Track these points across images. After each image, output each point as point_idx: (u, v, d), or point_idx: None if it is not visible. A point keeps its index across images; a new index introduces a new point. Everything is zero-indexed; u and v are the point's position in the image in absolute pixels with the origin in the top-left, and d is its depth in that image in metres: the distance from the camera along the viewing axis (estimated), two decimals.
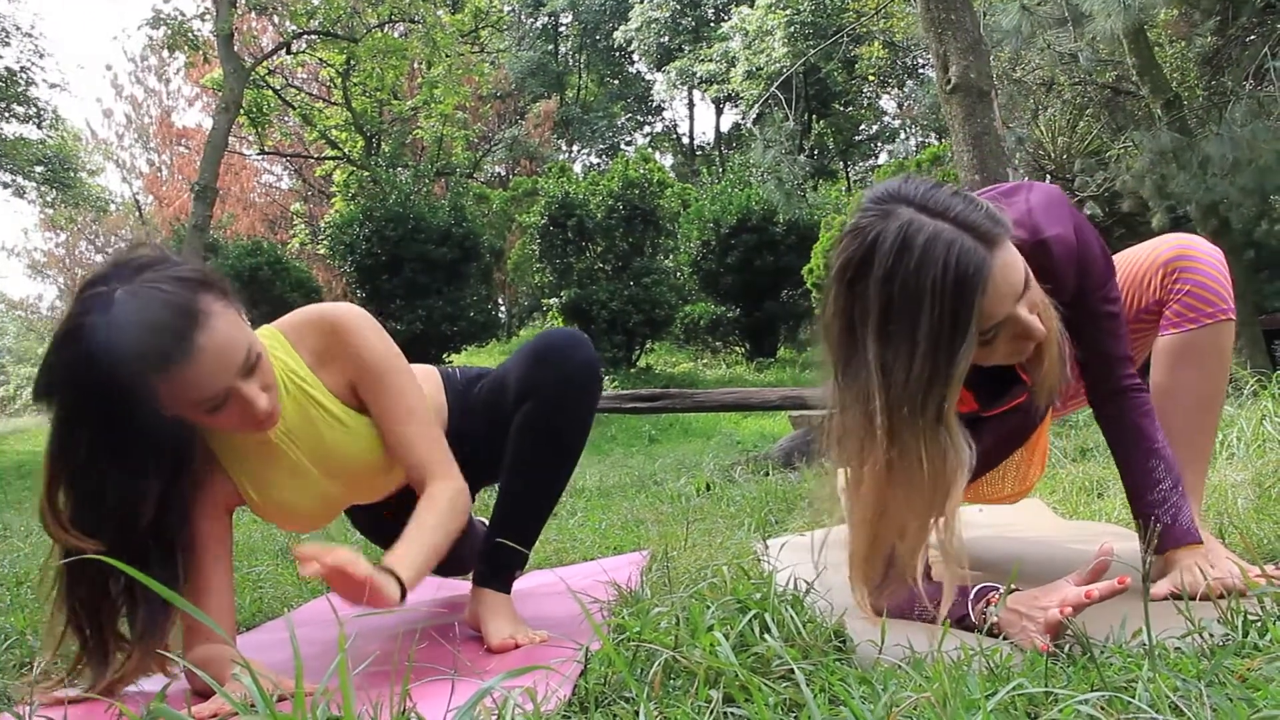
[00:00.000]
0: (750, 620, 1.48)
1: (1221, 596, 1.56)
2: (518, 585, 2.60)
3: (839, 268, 1.60)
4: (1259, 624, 1.39)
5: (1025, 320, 1.62)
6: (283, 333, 1.90)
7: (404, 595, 1.61)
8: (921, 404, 1.54)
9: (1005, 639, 1.54)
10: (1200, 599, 1.63)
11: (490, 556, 2.06)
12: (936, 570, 1.73)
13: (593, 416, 2.10)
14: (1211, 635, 1.36)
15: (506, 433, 2.05)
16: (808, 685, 1.24)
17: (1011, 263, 1.57)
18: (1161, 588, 1.74)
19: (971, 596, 1.64)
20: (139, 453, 1.62)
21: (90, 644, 1.66)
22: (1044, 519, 3.12)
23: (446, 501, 1.84)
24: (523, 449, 2.05)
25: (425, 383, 2.08)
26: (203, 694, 1.60)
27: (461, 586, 2.84)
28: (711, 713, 1.20)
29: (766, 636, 1.44)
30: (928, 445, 1.56)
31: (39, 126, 20.11)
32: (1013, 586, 1.57)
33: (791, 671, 1.27)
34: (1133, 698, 1.11)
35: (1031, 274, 1.63)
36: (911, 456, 1.57)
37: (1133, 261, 2.01)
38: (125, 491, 1.61)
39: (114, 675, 1.64)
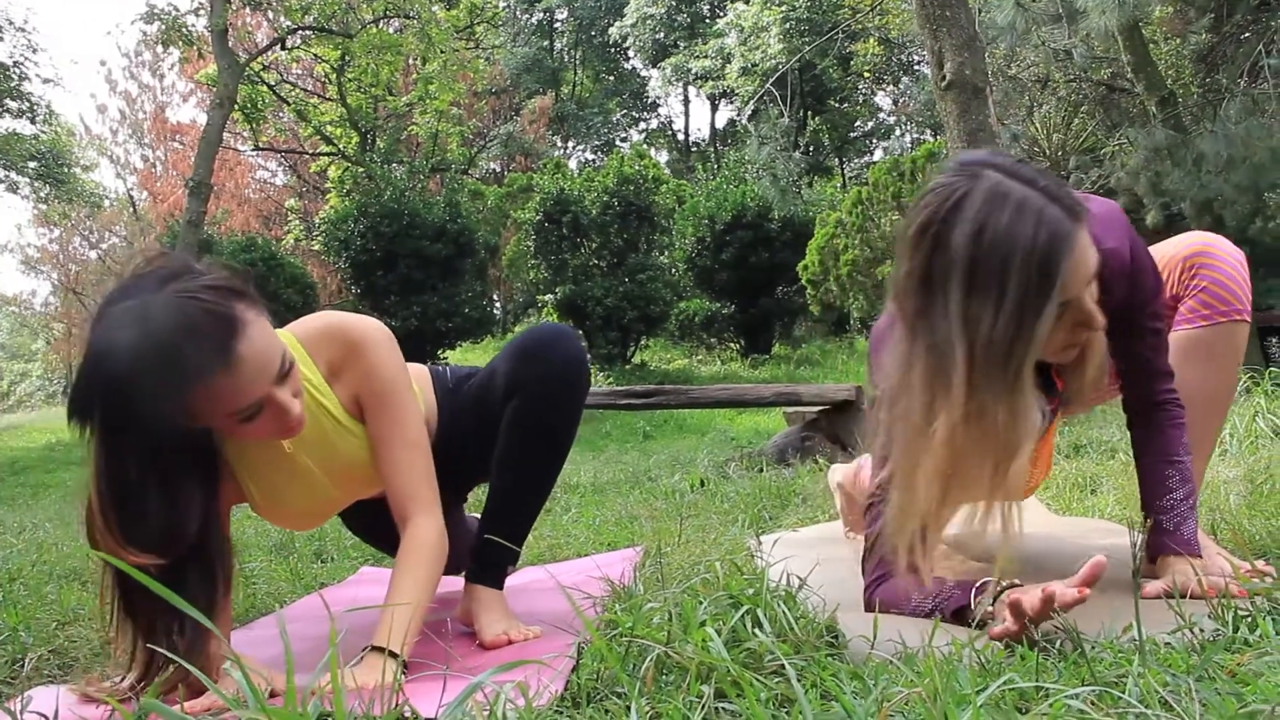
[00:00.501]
0: (743, 616, 1.48)
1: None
2: (511, 581, 2.60)
3: (922, 221, 1.57)
4: (1249, 619, 1.39)
5: (1089, 307, 1.62)
6: (299, 340, 1.89)
7: (406, 667, 1.61)
8: (1004, 360, 1.52)
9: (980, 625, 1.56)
10: (1191, 598, 1.64)
11: (482, 553, 2.07)
12: (937, 566, 1.73)
13: (580, 411, 2.10)
14: (1202, 631, 1.37)
15: (496, 429, 2.05)
16: (799, 680, 1.25)
17: (1088, 244, 1.56)
18: (1154, 587, 1.76)
19: (974, 589, 1.64)
20: (184, 466, 1.61)
21: (150, 656, 1.61)
22: (1038, 515, 3.13)
23: (428, 551, 1.81)
24: (512, 445, 2.05)
25: (416, 382, 2.06)
26: (197, 689, 1.59)
27: (454, 583, 2.84)
28: (703, 708, 1.20)
29: (758, 632, 1.45)
30: (1006, 403, 1.54)
31: (33, 122, 20.06)
32: (1015, 581, 1.58)
33: (783, 667, 1.27)
34: (1123, 693, 1.11)
35: None
36: (989, 414, 1.54)
37: (1159, 256, 2.01)
38: (173, 507, 1.58)
39: (164, 684, 1.59)
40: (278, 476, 1.87)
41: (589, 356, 17.96)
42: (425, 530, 1.82)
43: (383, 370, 1.87)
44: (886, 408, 1.64)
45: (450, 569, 2.43)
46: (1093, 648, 1.33)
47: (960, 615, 1.65)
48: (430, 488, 1.87)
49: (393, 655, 1.62)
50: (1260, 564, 1.70)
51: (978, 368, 1.52)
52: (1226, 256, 1.94)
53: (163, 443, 1.54)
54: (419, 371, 2.17)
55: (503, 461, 2.07)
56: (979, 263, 1.50)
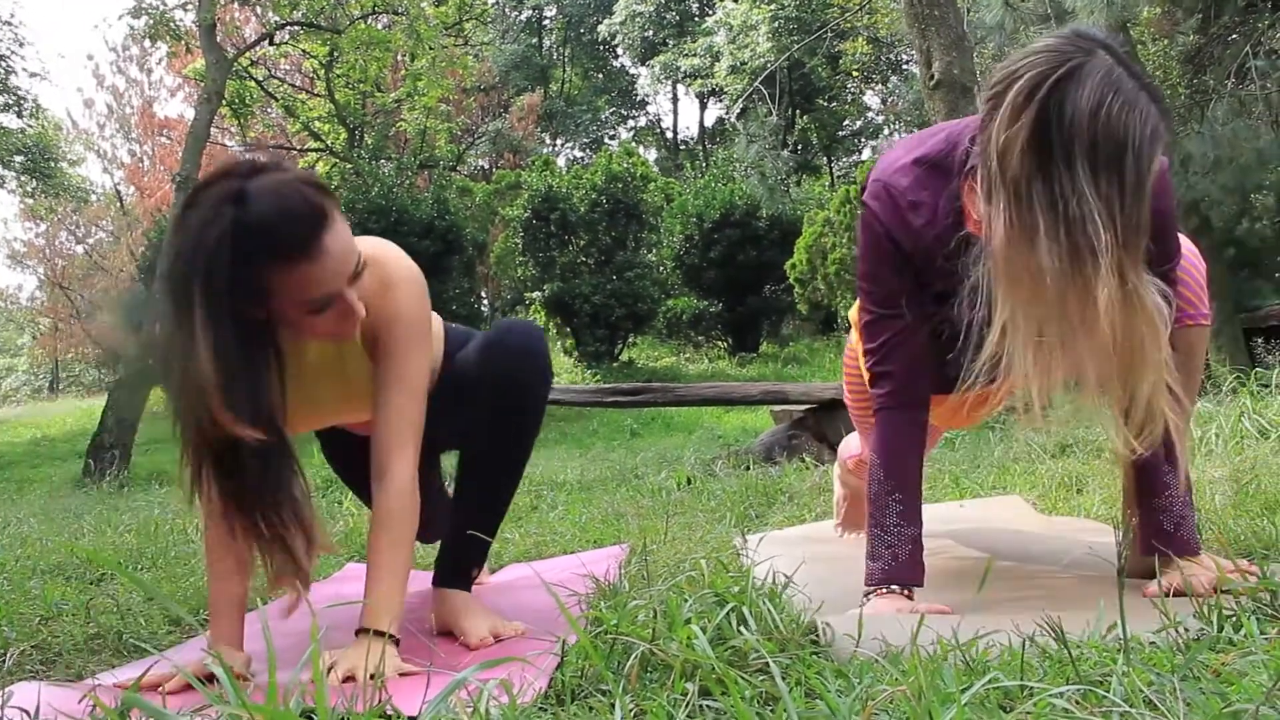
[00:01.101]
0: (728, 613, 1.48)
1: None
2: (496, 578, 2.60)
3: (1032, 81, 1.51)
4: (1234, 619, 1.39)
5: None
6: None
7: (398, 642, 1.65)
8: (1138, 243, 1.51)
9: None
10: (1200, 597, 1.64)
11: (450, 556, 2.07)
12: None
13: (543, 408, 2.10)
14: (1187, 630, 1.37)
15: (463, 408, 2.05)
16: (784, 678, 1.24)
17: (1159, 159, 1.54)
18: (1154, 588, 1.76)
19: (880, 578, 1.85)
20: (268, 352, 1.65)
21: (272, 542, 1.67)
22: (1023, 514, 3.14)
23: (407, 515, 1.80)
24: (474, 447, 2.08)
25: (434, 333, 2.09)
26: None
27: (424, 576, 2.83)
28: (688, 705, 1.20)
29: (743, 630, 1.44)
30: (1142, 293, 1.53)
31: (19, 116, 19.93)
32: (904, 592, 1.82)
33: (768, 664, 1.26)
34: (1107, 691, 1.11)
35: None
36: (1133, 299, 1.52)
37: None
38: (270, 388, 1.64)
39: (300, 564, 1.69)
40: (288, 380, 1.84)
41: (576, 353, 17.99)
42: (401, 489, 1.79)
43: (406, 317, 1.86)
44: (1005, 251, 1.55)
45: (431, 538, 2.43)
46: (1077, 646, 1.33)
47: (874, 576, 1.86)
48: (415, 443, 1.84)
49: (380, 634, 1.63)
50: (1244, 563, 1.70)
51: (1122, 248, 1.49)
52: (1184, 259, 1.89)
53: (254, 320, 1.61)
54: (436, 325, 2.15)
55: (465, 464, 2.08)
56: (1100, 143, 1.47)
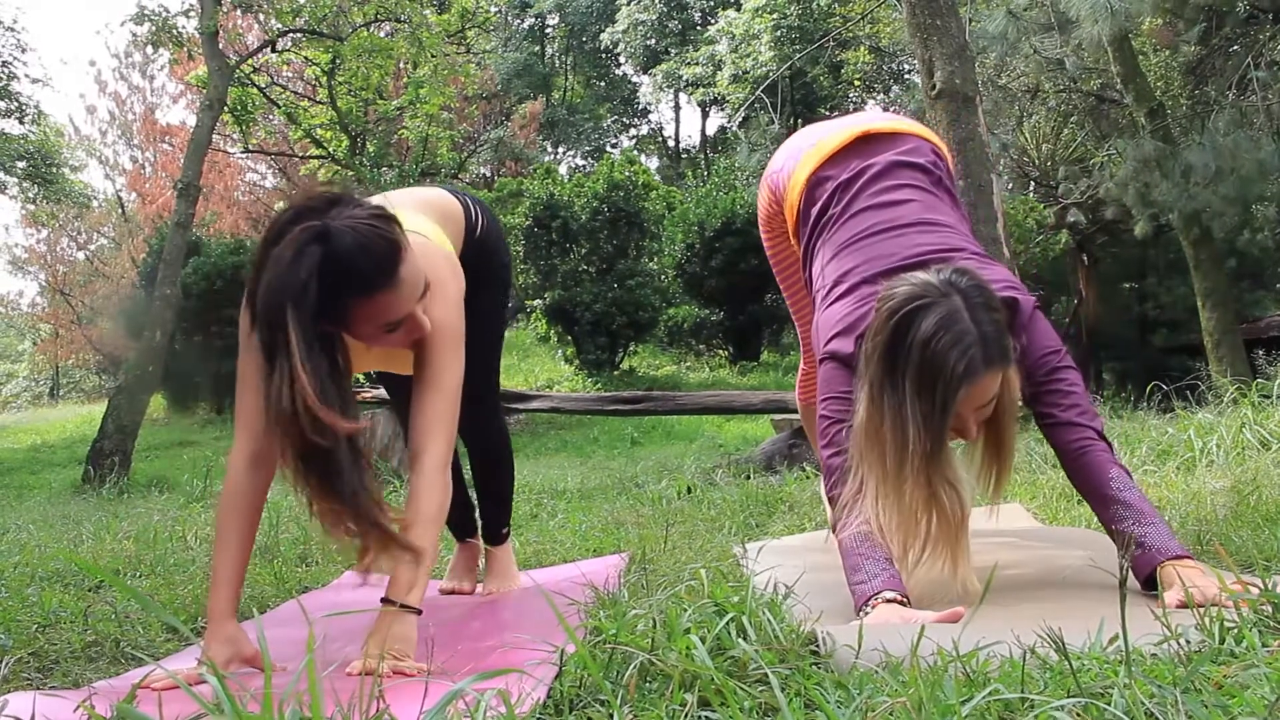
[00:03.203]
0: (727, 624, 1.48)
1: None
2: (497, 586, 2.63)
3: (895, 311, 1.94)
4: (1235, 631, 1.39)
5: (967, 424, 2.04)
6: None
7: (419, 613, 1.84)
8: (938, 441, 1.95)
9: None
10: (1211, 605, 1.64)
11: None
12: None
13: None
14: (1188, 642, 1.36)
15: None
16: (783, 690, 1.24)
17: (991, 381, 1.96)
18: (1170, 598, 1.80)
19: (870, 590, 1.92)
20: (343, 344, 1.87)
21: (365, 528, 1.80)
22: (1023, 524, 3.13)
23: (439, 497, 1.96)
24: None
25: (447, 221, 2.42)
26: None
27: (434, 585, 2.84)
28: (686, 716, 1.19)
29: (743, 640, 1.44)
30: (939, 466, 1.96)
31: (21, 122, 19.93)
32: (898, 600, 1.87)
33: (767, 675, 1.26)
34: (1108, 704, 1.10)
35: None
36: (938, 492, 1.96)
37: None
38: (352, 395, 1.84)
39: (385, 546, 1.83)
40: None
41: (577, 361, 17.98)
42: (431, 472, 1.96)
43: (441, 326, 2.02)
44: (862, 432, 2.01)
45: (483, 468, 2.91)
46: (1078, 658, 1.32)
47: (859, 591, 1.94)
48: (446, 435, 2.01)
49: (407, 608, 1.81)
50: (1245, 577, 1.70)
51: (925, 442, 1.92)
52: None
53: (332, 334, 1.82)
54: (455, 217, 2.50)
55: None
56: (924, 370, 1.90)
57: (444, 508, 1.99)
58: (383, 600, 1.83)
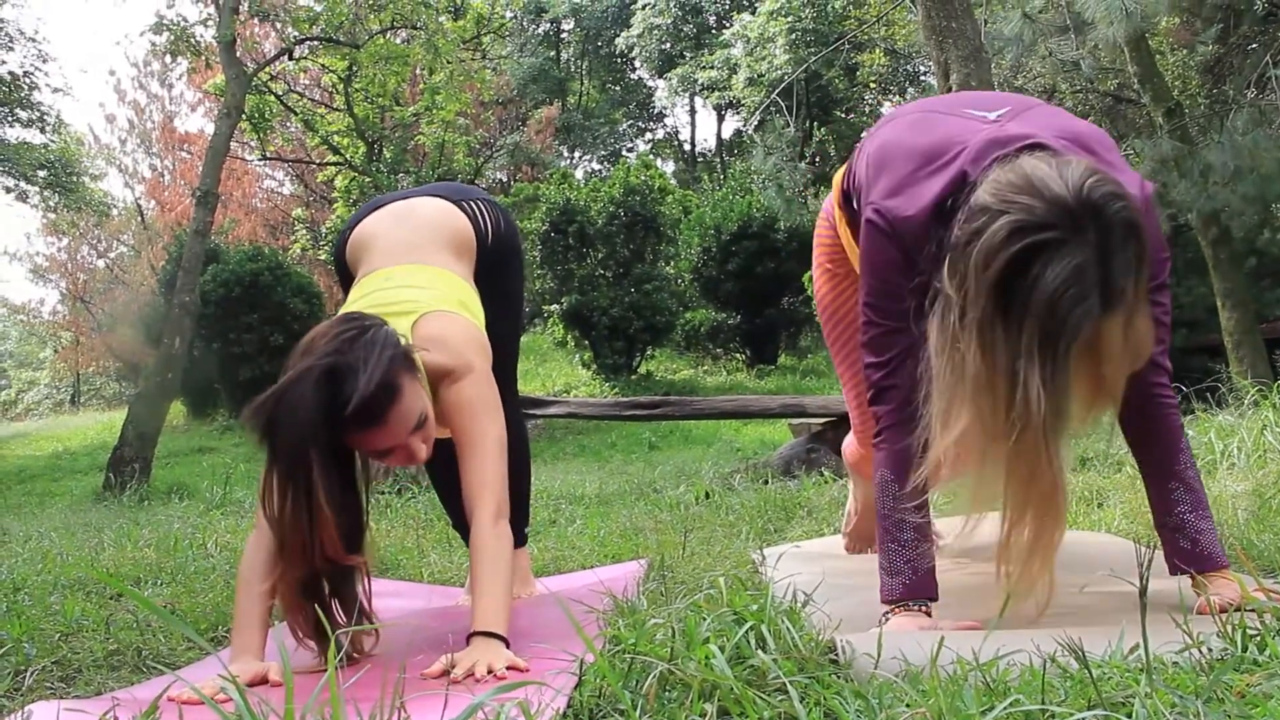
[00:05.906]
0: (746, 632, 1.48)
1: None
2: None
3: (1019, 239, 1.58)
4: (1258, 639, 1.38)
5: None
6: (417, 335, 2.17)
7: (507, 644, 1.90)
8: (1057, 412, 1.61)
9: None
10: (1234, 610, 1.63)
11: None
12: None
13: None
14: (1210, 650, 1.35)
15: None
16: (802, 700, 1.24)
17: (1114, 328, 1.61)
18: (1202, 604, 1.76)
19: (900, 594, 1.86)
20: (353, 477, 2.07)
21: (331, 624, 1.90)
22: None
23: (488, 546, 2.05)
24: None
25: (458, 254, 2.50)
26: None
27: (454, 594, 2.84)
28: None
29: (762, 649, 1.44)
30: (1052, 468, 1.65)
31: (42, 131, 20.04)
32: (922, 608, 1.84)
33: (786, 685, 1.26)
34: (1129, 714, 1.10)
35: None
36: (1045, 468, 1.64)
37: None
38: (361, 514, 2.06)
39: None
40: None
41: (594, 366, 17.98)
42: (484, 528, 2.06)
43: (468, 405, 2.16)
44: (968, 379, 1.65)
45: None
46: (1099, 667, 1.32)
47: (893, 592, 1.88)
48: (495, 491, 2.12)
49: (493, 636, 1.88)
50: (1269, 584, 1.68)
51: (1045, 410, 1.59)
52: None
53: (347, 451, 2.02)
54: (467, 242, 2.55)
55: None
56: (1048, 329, 1.56)
57: (503, 554, 2.06)
58: (469, 636, 1.90)
